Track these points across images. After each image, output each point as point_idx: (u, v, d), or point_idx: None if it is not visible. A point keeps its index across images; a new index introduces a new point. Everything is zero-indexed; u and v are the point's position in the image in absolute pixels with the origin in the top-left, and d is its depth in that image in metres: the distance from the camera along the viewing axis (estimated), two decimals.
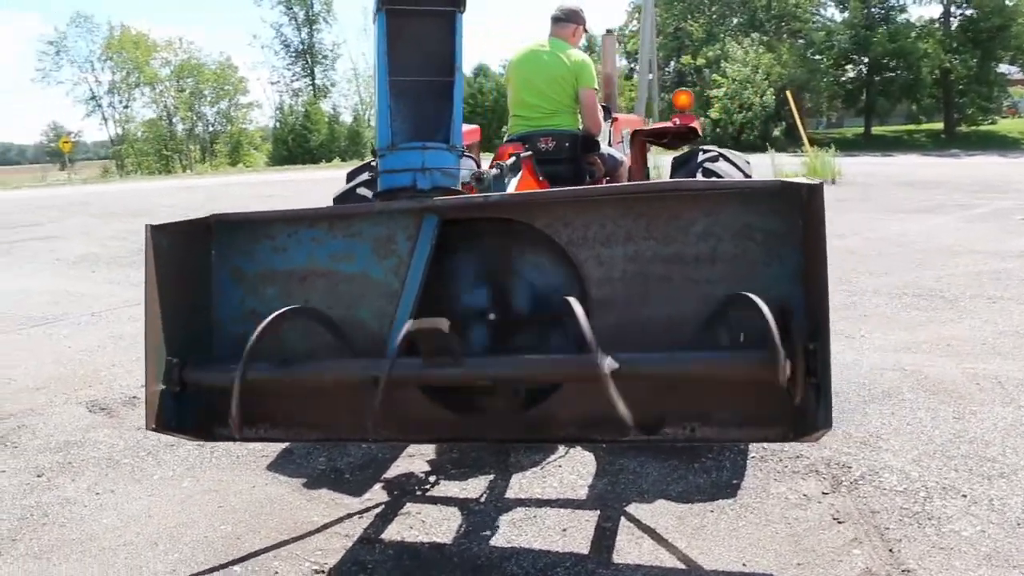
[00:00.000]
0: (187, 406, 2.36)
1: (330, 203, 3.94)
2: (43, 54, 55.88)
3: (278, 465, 3.50)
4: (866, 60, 38.64)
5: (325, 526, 2.94)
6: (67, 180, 37.28)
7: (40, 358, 5.42)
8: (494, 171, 3.17)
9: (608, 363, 1.92)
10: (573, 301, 1.98)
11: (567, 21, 4.55)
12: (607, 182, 4.49)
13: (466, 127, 4.81)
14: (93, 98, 51.78)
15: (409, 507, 3.07)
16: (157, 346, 2.27)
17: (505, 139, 4.47)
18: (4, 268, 9.71)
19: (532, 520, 2.92)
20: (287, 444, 3.59)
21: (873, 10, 38.59)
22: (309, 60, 56.10)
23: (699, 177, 4.23)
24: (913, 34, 37.00)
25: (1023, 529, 2.65)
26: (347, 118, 52.32)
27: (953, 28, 37.49)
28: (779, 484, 3.08)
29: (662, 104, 22.57)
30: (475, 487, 3.22)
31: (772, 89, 34.89)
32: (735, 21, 44.02)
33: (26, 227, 14.34)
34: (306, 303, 2.43)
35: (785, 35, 41.85)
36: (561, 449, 3.47)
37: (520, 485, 3.22)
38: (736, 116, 35.54)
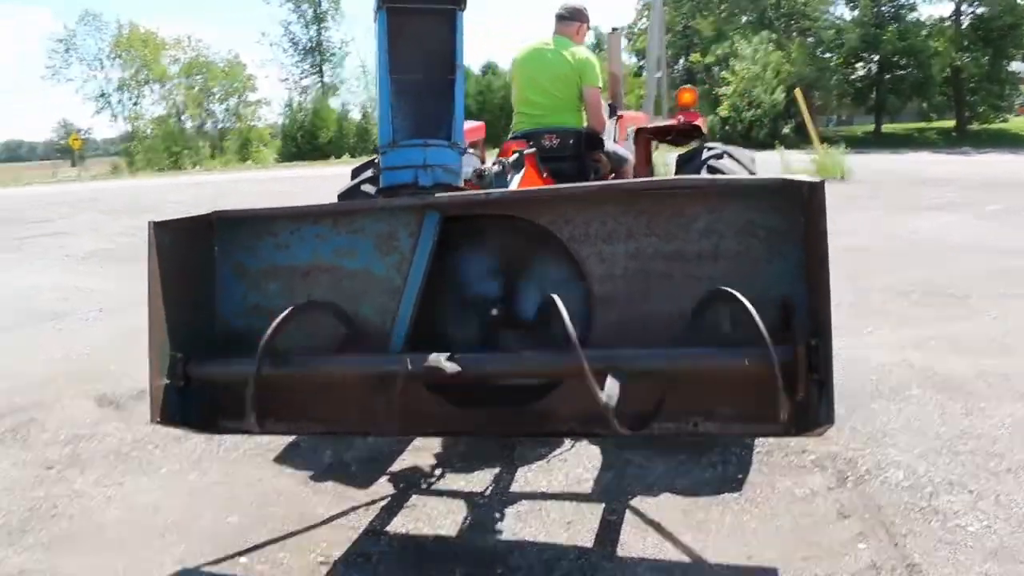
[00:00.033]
0: (191, 400, 2.37)
1: (335, 200, 3.95)
2: (53, 52, 56.24)
3: (285, 458, 3.51)
4: (876, 58, 38.48)
5: (331, 518, 2.96)
6: (77, 177, 37.46)
7: (50, 353, 5.45)
8: (496, 168, 3.17)
9: (608, 391, 1.94)
10: (556, 298, 2.00)
11: (571, 19, 4.56)
12: (612, 179, 4.49)
13: (471, 124, 4.81)
14: (103, 95, 52.01)
15: (414, 500, 3.08)
16: (161, 341, 2.29)
17: (509, 136, 4.48)
18: (14, 264, 9.77)
19: (537, 513, 2.92)
20: (293, 438, 3.61)
21: (883, 8, 38.43)
22: (318, 57, 56.24)
23: (703, 174, 4.22)
24: (924, 32, 36.84)
25: None
26: (356, 115, 52.42)
27: (964, 26, 37.31)
28: (785, 479, 3.08)
29: (671, 102, 22.54)
30: (480, 480, 3.23)
31: (782, 87, 34.78)
32: (744, 19, 43.86)
33: (36, 223, 14.41)
34: (308, 299, 2.44)
35: (795, 33, 41.69)
36: (567, 443, 3.48)
37: (526, 478, 3.22)
38: (745, 114, 35.46)
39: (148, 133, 50.70)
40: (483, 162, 4.52)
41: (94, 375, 4.84)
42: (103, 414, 4.18)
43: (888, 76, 38.77)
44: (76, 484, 3.35)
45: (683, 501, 2.95)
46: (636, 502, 2.96)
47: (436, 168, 2.45)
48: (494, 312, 2.46)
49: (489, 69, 52.24)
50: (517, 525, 2.84)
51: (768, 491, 2.99)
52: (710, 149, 4.62)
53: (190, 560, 2.70)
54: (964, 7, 37.45)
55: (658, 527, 2.77)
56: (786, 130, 33.81)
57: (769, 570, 2.48)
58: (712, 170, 4.32)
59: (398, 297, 2.35)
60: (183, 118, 52.96)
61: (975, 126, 36.98)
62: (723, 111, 35.81)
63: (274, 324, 2.16)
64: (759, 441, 3.37)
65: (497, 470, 3.30)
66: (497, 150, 4.33)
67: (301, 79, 56.51)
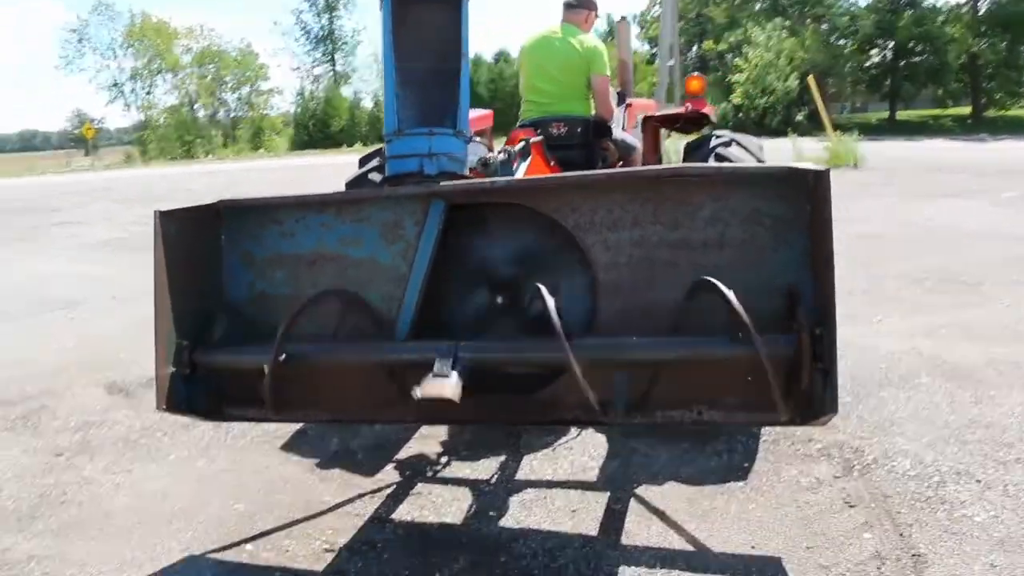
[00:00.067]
0: (197, 388, 2.39)
1: (344, 188, 3.95)
2: (66, 42, 56.48)
3: (291, 446, 3.53)
4: (891, 45, 38.12)
5: (337, 506, 2.97)
6: (90, 166, 37.69)
7: (61, 341, 5.50)
8: (501, 156, 3.16)
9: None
10: (542, 288, 2.00)
11: (579, 7, 4.53)
12: (621, 167, 4.47)
13: (479, 112, 4.78)
14: (115, 85, 52.35)
15: (420, 488, 3.09)
16: (167, 330, 2.31)
17: (517, 124, 4.46)
18: (28, 253, 9.85)
19: (542, 501, 2.92)
20: (300, 425, 3.62)
21: None
22: (330, 46, 56.24)
23: (711, 162, 4.19)
24: (940, 19, 36.43)
25: None
26: (368, 103, 52.44)
27: (981, 12, 36.86)
28: (790, 468, 3.07)
29: (683, 89, 22.38)
30: (486, 468, 3.23)
31: (795, 74, 34.52)
32: (758, 6, 43.57)
33: (50, 212, 14.52)
34: (314, 287, 2.44)
35: (808, 20, 41.32)
36: (572, 431, 3.47)
37: (531, 467, 3.23)
38: (758, 101, 35.22)
39: (161, 122, 50.98)
40: (491, 150, 4.51)
41: (105, 363, 4.88)
42: (113, 402, 4.22)
43: (903, 63, 38.39)
44: (85, 471, 3.38)
45: (688, 490, 2.94)
46: (641, 490, 2.96)
47: (441, 156, 2.44)
48: (499, 300, 2.46)
49: (502, 57, 52.09)
50: (522, 513, 2.85)
51: (774, 480, 2.98)
52: (718, 137, 4.59)
53: (197, 546, 2.72)
54: None
55: (663, 516, 2.77)
56: (799, 117, 33.59)
57: (773, 559, 2.48)
58: (720, 158, 4.29)
59: (403, 285, 2.35)
60: (196, 107, 53.27)
61: (991, 112, 36.58)
62: (736, 98, 35.60)
63: (293, 313, 2.17)
64: (765, 429, 3.35)
65: (503, 458, 3.31)
66: (507, 138, 4.32)
67: (313, 68, 56.75)
